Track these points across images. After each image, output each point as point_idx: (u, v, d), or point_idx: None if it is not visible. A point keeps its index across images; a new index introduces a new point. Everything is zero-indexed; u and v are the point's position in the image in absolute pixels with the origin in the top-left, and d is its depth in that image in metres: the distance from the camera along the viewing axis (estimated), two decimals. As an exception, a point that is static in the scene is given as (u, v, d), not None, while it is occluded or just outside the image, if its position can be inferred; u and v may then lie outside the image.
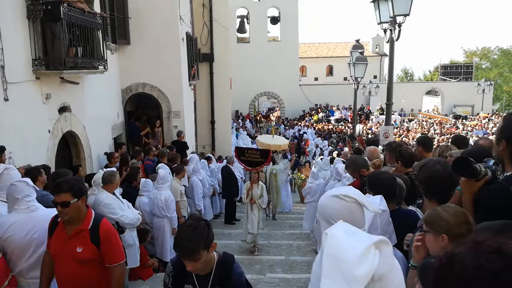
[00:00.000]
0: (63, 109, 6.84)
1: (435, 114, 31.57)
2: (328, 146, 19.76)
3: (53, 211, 3.64)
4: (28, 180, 3.55)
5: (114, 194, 5.28)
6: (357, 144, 10.94)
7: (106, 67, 7.70)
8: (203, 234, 2.35)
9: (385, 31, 8.76)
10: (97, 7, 7.97)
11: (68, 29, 6.06)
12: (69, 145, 7.46)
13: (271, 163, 10.64)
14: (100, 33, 7.34)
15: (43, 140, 6.18)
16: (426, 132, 23.96)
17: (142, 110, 11.54)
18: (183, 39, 11.22)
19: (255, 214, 7.98)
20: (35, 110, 5.99)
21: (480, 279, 0.93)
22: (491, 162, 2.46)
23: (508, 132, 2.28)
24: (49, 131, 6.33)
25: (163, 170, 6.82)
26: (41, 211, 3.51)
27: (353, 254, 0.96)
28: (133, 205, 6.15)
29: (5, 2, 5.21)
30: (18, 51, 5.57)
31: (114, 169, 6.32)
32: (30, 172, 4.89)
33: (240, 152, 9.18)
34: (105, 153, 8.22)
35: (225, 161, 11.58)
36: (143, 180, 6.76)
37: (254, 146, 14.49)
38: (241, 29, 29.84)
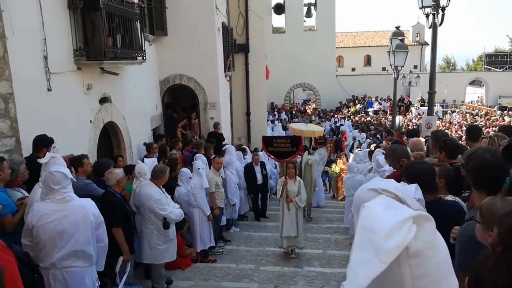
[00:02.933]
0: (103, 100, 6.94)
1: (479, 105, 30.18)
2: (366, 138, 19.26)
3: (88, 202, 3.66)
4: (67, 171, 3.55)
5: (160, 187, 5.35)
6: (395, 139, 10.48)
7: (144, 58, 7.75)
8: None
9: (427, 16, 8.38)
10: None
11: (108, 19, 6.11)
12: (109, 136, 7.59)
13: (306, 152, 10.11)
14: (138, 24, 7.39)
15: (84, 130, 6.30)
16: (471, 124, 22.92)
17: (179, 102, 11.62)
18: (218, 29, 11.17)
19: (292, 214, 7.03)
20: (77, 100, 6.10)
21: None
22: None
23: None
24: (90, 121, 6.44)
25: (197, 161, 6.84)
26: (75, 201, 3.54)
27: (385, 226, 0.95)
28: (173, 196, 6.19)
29: (46, -7, 5.29)
30: (60, 42, 5.66)
31: (155, 160, 6.40)
32: (73, 161, 4.99)
33: (268, 142, 8.08)
34: (144, 144, 8.32)
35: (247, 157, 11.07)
36: (181, 170, 6.79)
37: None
38: (278, 8, 29.04)
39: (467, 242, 2.36)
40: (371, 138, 18.84)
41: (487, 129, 21.48)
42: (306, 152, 10.26)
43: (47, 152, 4.55)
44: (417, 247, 0.94)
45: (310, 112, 29.78)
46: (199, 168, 6.69)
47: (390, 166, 5.26)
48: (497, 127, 13.87)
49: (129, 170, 6.03)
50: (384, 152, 7.35)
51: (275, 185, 11.64)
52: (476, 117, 26.00)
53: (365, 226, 0.98)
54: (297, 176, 7.31)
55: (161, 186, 5.44)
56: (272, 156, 7.97)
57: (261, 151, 11.30)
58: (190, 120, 10.97)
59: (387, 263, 0.90)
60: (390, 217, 0.97)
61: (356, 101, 30.49)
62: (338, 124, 23.89)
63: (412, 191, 2.59)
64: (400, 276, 0.94)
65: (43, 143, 4.68)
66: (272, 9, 29.15)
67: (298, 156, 9.54)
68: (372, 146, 12.81)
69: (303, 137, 9.81)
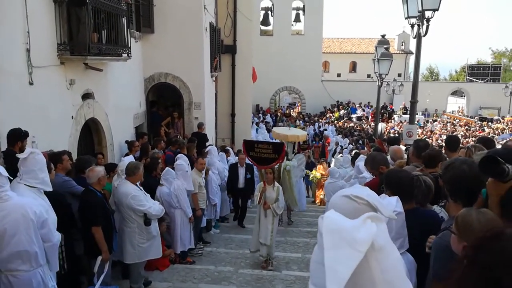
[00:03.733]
0: (86, 96, 6.85)
1: (460, 115, 30.82)
2: (349, 144, 19.45)
3: (28, 200, 3.51)
4: (2, 170, 3.41)
5: (136, 185, 5.28)
6: (376, 146, 10.51)
7: (129, 54, 7.68)
8: None
9: (412, 26, 8.54)
10: (122, -6, 7.95)
11: (93, 14, 6.03)
12: (91, 132, 7.49)
13: (285, 158, 9.62)
14: (125, 20, 7.31)
15: (66, 125, 6.20)
16: (451, 134, 23.40)
17: (164, 100, 11.55)
18: (206, 29, 11.13)
19: (269, 221, 6.83)
20: (59, 95, 6.01)
21: None
22: None
23: None
24: (72, 117, 6.35)
25: (180, 161, 6.79)
26: (14, 200, 3.41)
27: (350, 223, 1.01)
28: (153, 195, 6.13)
29: (32, -14, 5.20)
30: (44, 35, 5.57)
31: (132, 157, 6.32)
32: (52, 157, 4.91)
33: (249, 146, 7.75)
34: (126, 142, 8.23)
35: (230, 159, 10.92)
36: (167, 169, 6.74)
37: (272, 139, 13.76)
38: (265, 22, 29.60)
39: (442, 251, 2.39)
40: (353, 143, 19.03)
41: (466, 139, 21.95)
42: (285, 158, 9.87)
43: (26, 147, 4.48)
44: (380, 241, 0.98)
45: (294, 116, 29.89)
46: (187, 171, 6.65)
47: (369, 173, 5.32)
48: (476, 138, 14.18)
49: (110, 168, 5.96)
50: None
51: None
52: (456, 126, 26.53)
53: (331, 229, 1.01)
54: (275, 182, 7.12)
55: (138, 184, 5.39)
56: (253, 161, 7.78)
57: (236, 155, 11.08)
58: (173, 119, 10.91)
59: (363, 252, 0.93)
60: (350, 220, 1.02)
61: (340, 106, 30.78)
62: (322, 129, 24.06)
63: (393, 204, 2.62)
64: (370, 271, 0.97)
65: (17, 136, 4.59)
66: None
67: None
68: (353, 152, 12.94)
69: (287, 142, 9.71)
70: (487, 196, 2.45)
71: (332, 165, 13.88)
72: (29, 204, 3.47)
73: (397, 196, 2.75)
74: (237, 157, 11.02)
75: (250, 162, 9.03)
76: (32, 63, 5.21)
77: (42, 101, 5.55)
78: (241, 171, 9.37)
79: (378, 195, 3.23)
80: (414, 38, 8.47)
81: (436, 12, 7.73)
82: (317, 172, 12.89)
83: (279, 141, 9.67)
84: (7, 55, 4.84)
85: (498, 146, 7.41)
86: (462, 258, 1.24)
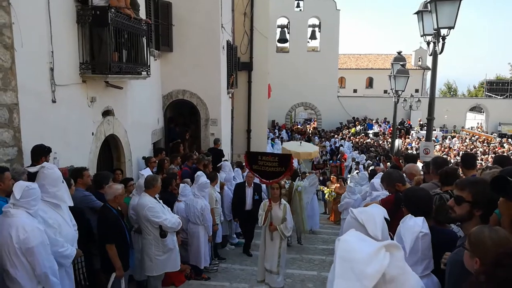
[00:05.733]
0: (106, 113, 7.02)
1: (479, 131, 30.34)
2: (366, 160, 19.30)
3: (21, 222, 3.41)
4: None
5: (155, 198, 5.36)
6: (393, 163, 10.37)
7: (149, 73, 7.86)
8: None
9: (428, 43, 8.58)
10: (142, 14, 8.19)
11: (115, 34, 6.23)
12: (110, 148, 7.65)
13: (297, 178, 9.38)
14: (145, 40, 7.52)
15: (86, 142, 6.35)
16: (469, 150, 23.03)
17: (182, 117, 11.74)
18: (223, 47, 11.34)
19: (275, 245, 6.01)
20: (80, 113, 6.17)
21: None
22: None
23: None
24: (92, 133, 6.51)
25: (204, 177, 6.86)
26: (13, 219, 3.41)
27: (363, 254, 1.02)
28: (171, 210, 6.21)
29: (56, 7, 5.41)
30: (67, 55, 5.76)
31: (149, 170, 6.44)
32: (73, 173, 5.05)
33: (252, 158, 6.73)
34: (143, 158, 8.37)
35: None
36: (182, 185, 6.82)
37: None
38: (281, 39, 29.94)
39: (457, 267, 2.40)
40: (371, 160, 18.88)
41: (485, 156, 21.57)
42: (297, 178, 9.55)
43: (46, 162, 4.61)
44: (391, 273, 1.01)
45: (310, 132, 29.85)
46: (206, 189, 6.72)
47: (385, 190, 5.30)
48: (494, 156, 13.92)
49: (125, 183, 6.04)
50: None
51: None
52: (475, 143, 26.10)
53: (344, 257, 1.04)
54: (282, 199, 6.28)
55: (157, 197, 5.47)
56: (257, 175, 6.82)
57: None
58: (183, 140, 10.92)
59: (370, 287, 0.97)
60: (365, 248, 1.04)
61: (357, 122, 30.67)
62: (337, 145, 23.96)
63: (420, 224, 2.62)
64: None
65: (41, 152, 4.72)
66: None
67: (286, 181, 8.76)
68: (370, 169, 12.83)
69: (295, 158, 9.25)
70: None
71: (349, 182, 13.80)
72: (19, 227, 3.38)
73: (423, 217, 2.74)
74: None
75: (258, 182, 7.98)
76: (55, 81, 5.39)
77: (64, 118, 5.71)
78: (249, 192, 8.40)
79: (396, 212, 3.25)
80: (430, 55, 8.48)
81: (452, 29, 7.75)
82: (332, 191, 12.79)
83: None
84: (32, 74, 5.03)
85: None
86: (479, 274, 1.25)
